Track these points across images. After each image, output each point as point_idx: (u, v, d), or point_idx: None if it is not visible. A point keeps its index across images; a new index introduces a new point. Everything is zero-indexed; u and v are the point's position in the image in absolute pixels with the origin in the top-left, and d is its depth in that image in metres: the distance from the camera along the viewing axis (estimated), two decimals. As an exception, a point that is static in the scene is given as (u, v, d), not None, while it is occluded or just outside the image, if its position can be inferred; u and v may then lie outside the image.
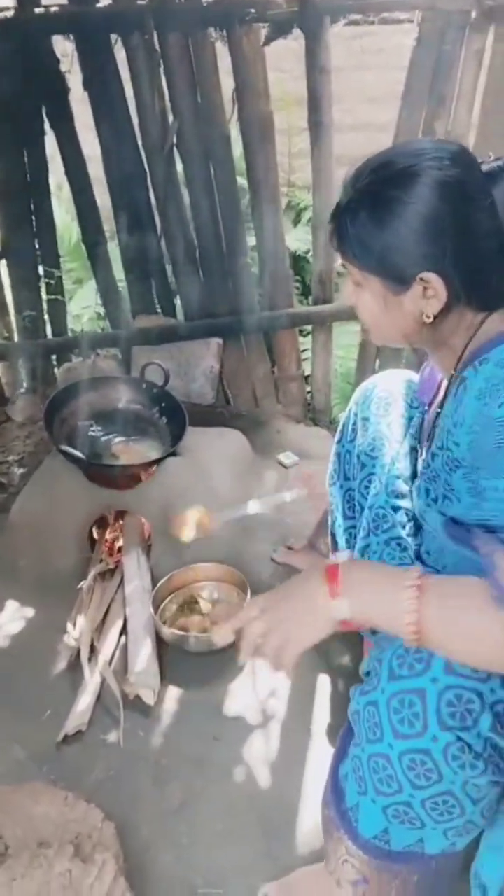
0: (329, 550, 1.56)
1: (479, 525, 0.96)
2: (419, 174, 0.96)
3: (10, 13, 2.18)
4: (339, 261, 1.15)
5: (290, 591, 0.96)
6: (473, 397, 0.95)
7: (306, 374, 2.74)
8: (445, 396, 1.10)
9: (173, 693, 1.63)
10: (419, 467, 1.20)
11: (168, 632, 1.69)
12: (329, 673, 1.64)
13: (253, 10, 2.09)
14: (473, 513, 0.97)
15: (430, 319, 1.02)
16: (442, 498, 1.05)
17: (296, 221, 4.13)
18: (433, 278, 0.98)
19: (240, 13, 2.09)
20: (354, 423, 1.44)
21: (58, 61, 2.25)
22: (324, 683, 1.63)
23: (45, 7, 2.19)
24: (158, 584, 1.82)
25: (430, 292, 0.99)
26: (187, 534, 1.75)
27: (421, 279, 0.99)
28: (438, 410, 1.12)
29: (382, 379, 1.42)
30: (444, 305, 1.00)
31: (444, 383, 1.17)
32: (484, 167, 1.01)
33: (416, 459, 1.29)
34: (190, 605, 1.84)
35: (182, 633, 1.70)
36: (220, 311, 2.55)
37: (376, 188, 0.99)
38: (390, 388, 1.38)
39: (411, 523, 1.23)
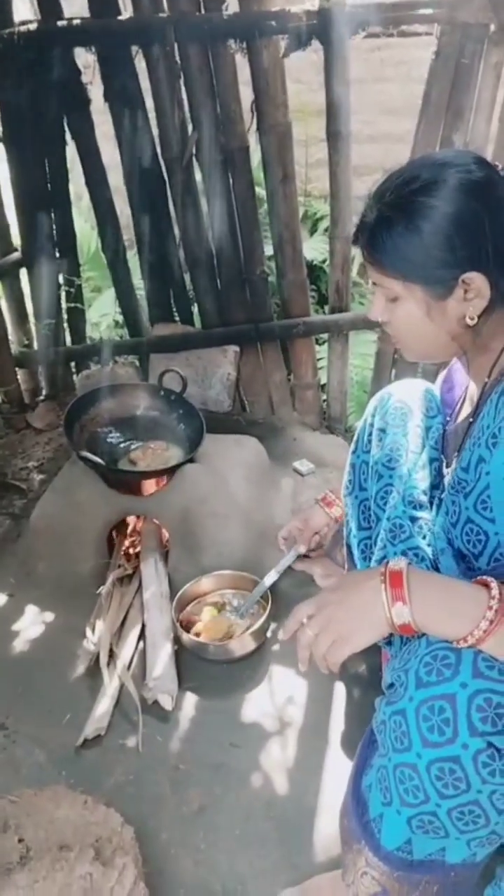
0: (344, 560, 1.57)
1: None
2: (446, 180, 1.00)
3: (33, 26, 2.21)
4: (356, 271, 1.17)
5: (346, 594, 0.99)
6: None
7: (322, 382, 2.75)
8: (478, 405, 1.11)
9: (191, 699, 1.65)
10: (445, 480, 1.20)
11: (187, 638, 1.70)
12: (345, 681, 1.65)
13: (273, 23, 2.11)
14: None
15: (475, 321, 1.04)
16: (465, 521, 1.05)
17: (312, 231, 4.15)
18: (476, 278, 1.01)
19: (260, 25, 2.11)
20: (370, 434, 1.44)
21: (79, 73, 2.28)
22: (340, 692, 1.63)
23: (68, 20, 2.22)
24: (181, 591, 1.83)
25: (470, 294, 1.02)
26: (213, 637, 1.75)
27: (463, 281, 1.01)
28: (471, 420, 1.13)
29: (398, 388, 1.43)
30: (486, 305, 1.02)
31: (474, 392, 1.17)
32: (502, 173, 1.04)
33: (436, 471, 1.30)
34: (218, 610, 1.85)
35: (201, 640, 1.71)
36: (237, 319, 2.57)
37: (407, 200, 1.01)
38: (406, 398, 1.39)
39: (430, 534, 1.24)
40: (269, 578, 1.79)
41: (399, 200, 1.02)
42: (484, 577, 0.93)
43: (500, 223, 1.00)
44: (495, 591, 0.90)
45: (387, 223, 1.03)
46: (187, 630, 1.75)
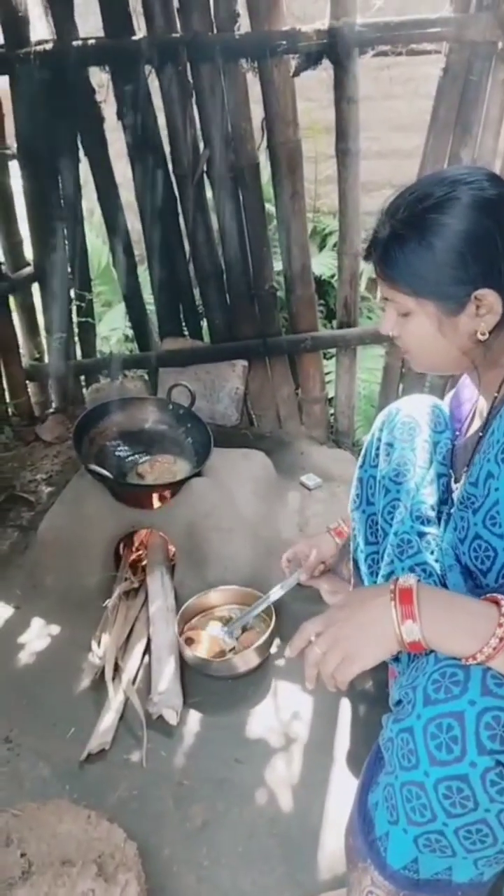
0: (351, 576, 1.56)
1: None
2: (459, 197, 1.01)
3: (49, 45, 2.25)
4: (364, 286, 1.18)
5: (354, 611, 0.98)
6: None
7: (330, 396, 2.76)
8: (488, 419, 1.11)
9: (196, 714, 1.64)
10: (454, 496, 1.20)
11: (191, 655, 1.70)
12: (351, 698, 1.63)
13: (284, 42, 2.13)
14: None
15: (486, 336, 1.04)
16: (473, 537, 1.05)
17: (321, 246, 4.17)
18: (488, 294, 1.01)
19: (271, 45, 2.14)
20: (377, 448, 1.44)
21: (94, 91, 2.32)
22: (345, 708, 1.62)
23: (83, 39, 2.26)
24: (184, 606, 1.83)
25: (482, 310, 1.03)
26: (210, 651, 1.75)
27: (475, 297, 1.02)
28: (480, 435, 1.13)
29: (406, 403, 1.43)
30: (498, 320, 1.03)
31: (483, 407, 1.17)
32: None
33: (444, 487, 1.29)
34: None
35: (203, 657, 1.70)
36: (245, 333, 2.58)
37: (420, 217, 1.02)
38: (414, 413, 1.39)
39: (438, 549, 1.23)
40: (266, 600, 1.75)
41: (412, 217, 1.03)
42: (494, 595, 0.92)
43: None
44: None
45: (399, 240, 1.04)
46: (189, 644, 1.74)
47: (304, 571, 1.70)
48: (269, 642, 1.72)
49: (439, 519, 1.26)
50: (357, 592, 1.09)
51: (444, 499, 1.27)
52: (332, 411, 2.75)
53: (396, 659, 1.20)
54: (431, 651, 0.93)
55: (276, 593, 1.74)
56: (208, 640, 1.77)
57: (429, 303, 1.05)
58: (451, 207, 1.00)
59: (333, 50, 2.13)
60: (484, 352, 1.07)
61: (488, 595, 0.93)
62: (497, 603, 0.91)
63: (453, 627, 0.91)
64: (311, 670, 1.00)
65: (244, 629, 1.79)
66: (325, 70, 2.20)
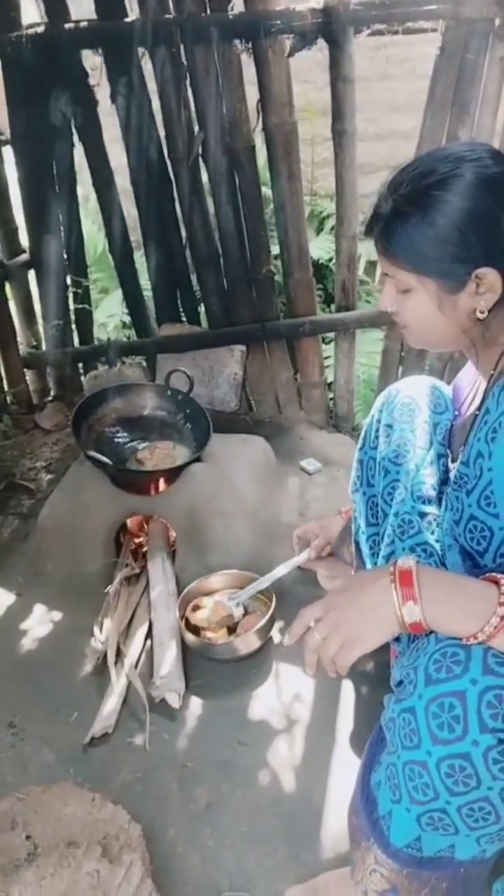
0: (353, 558, 1.57)
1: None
2: (463, 174, 1.00)
3: (40, 28, 2.23)
4: (362, 269, 1.17)
5: (354, 595, 0.97)
6: None
7: (329, 380, 2.75)
8: (483, 398, 1.11)
9: (198, 697, 1.65)
10: (451, 475, 1.20)
11: (192, 638, 1.70)
12: (352, 678, 1.64)
13: (278, 22, 2.11)
14: None
15: (485, 314, 1.04)
16: (468, 518, 1.05)
17: (319, 230, 4.15)
18: (489, 273, 1.01)
19: (265, 25, 2.11)
20: (377, 430, 1.44)
21: (87, 75, 2.29)
22: (347, 689, 1.63)
23: (75, 22, 2.23)
24: (185, 590, 1.84)
25: (482, 288, 1.02)
26: (214, 614, 1.77)
27: (476, 276, 1.02)
28: (476, 413, 1.13)
29: (405, 385, 1.43)
30: (498, 299, 1.02)
31: (482, 387, 1.17)
32: None
33: (444, 467, 1.29)
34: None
35: (206, 640, 1.71)
36: (243, 318, 2.57)
37: (423, 193, 1.01)
38: (413, 393, 1.39)
39: (439, 529, 1.23)
40: (273, 575, 1.78)
41: (415, 193, 1.02)
42: (493, 574, 0.92)
43: None
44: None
45: (402, 216, 1.03)
46: (194, 629, 1.75)
47: (312, 550, 1.71)
48: (269, 625, 1.73)
49: (440, 499, 1.26)
50: (356, 577, 1.09)
51: (445, 479, 1.27)
52: (331, 395, 2.74)
53: (397, 639, 1.20)
54: (432, 632, 0.94)
55: (281, 570, 1.77)
56: (213, 606, 1.78)
57: (430, 280, 1.05)
58: (454, 184, 1.00)
59: (328, 29, 2.10)
60: (483, 330, 1.07)
61: (488, 574, 0.93)
62: (497, 582, 0.91)
63: (453, 608, 0.91)
64: (312, 656, 0.99)
65: (246, 611, 1.80)
66: (321, 50, 2.18)
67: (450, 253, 1.01)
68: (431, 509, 1.25)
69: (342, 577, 1.72)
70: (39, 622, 1.91)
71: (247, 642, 1.69)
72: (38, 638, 1.86)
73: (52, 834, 1.27)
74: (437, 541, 1.22)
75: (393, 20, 2.10)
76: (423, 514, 1.24)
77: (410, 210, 1.02)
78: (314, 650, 0.98)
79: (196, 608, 1.80)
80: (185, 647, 1.73)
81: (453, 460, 1.27)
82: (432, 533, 1.23)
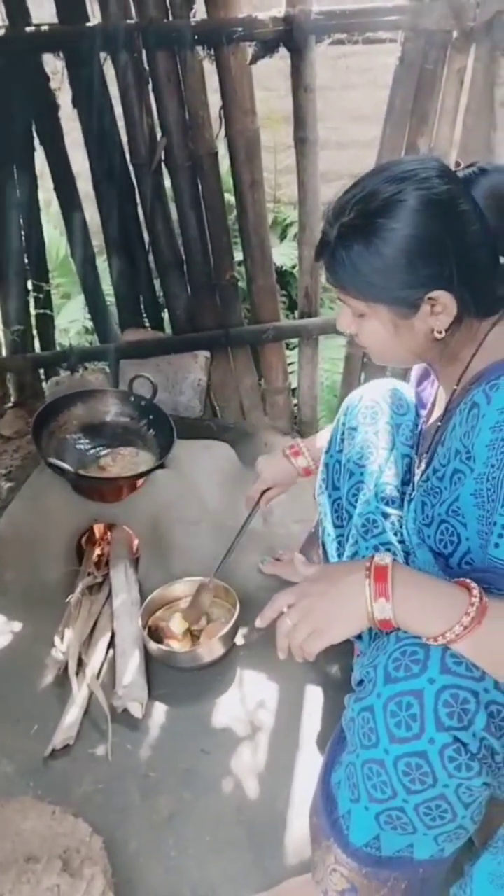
0: (320, 561, 1.57)
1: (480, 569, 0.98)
2: (405, 199, 0.97)
3: (1, 31, 2.20)
4: (325, 276, 1.17)
5: (328, 585, 0.98)
6: (488, 428, 0.95)
7: (293, 386, 2.76)
8: (446, 413, 1.12)
9: (161, 706, 1.63)
10: (416, 479, 1.21)
11: (154, 647, 1.68)
12: (319, 683, 1.64)
13: (240, 29, 2.12)
14: (479, 543, 0.98)
15: (442, 335, 1.04)
16: (439, 522, 1.06)
17: (282, 237, 4.17)
18: (442, 295, 1.00)
19: (227, 32, 2.12)
20: (342, 434, 1.45)
21: (48, 79, 2.27)
22: (312, 693, 1.63)
23: (36, 25, 2.21)
24: (148, 598, 1.82)
25: (438, 308, 1.01)
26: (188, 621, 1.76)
27: (429, 298, 1.00)
28: (439, 424, 1.14)
29: (368, 389, 1.44)
30: (453, 319, 1.02)
31: (442, 396, 1.18)
32: (459, 174, 1.03)
33: (407, 468, 1.30)
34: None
35: (168, 648, 1.69)
36: (207, 324, 2.56)
37: (365, 220, 0.99)
38: (376, 397, 1.40)
39: (402, 530, 1.24)
40: (237, 542, 1.73)
41: (358, 221, 1.00)
42: (466, 580, 0.92)
43: (462, 239, 0.99)
44: (475, 598, 0.89)
45: (346, 245, 1.01)
46: (157, 637, 1.73)
47: (265, 502, 1.69)
48: (233, 631, 1.72)
49: (402, 500, 1.27)
50: (331, 567, 1.10)
51: (407, 480, 1.29)
52: (295, 401, 2.76)
53: (359, 637, 1.21)
54: (394, 630, 0.94)
55: (242, 538, 1.73)
56: (188, 609, 1.77)
57: (381, 307, 1.04)
58: (397, 211, 0.97)
59: (290, 37, 2.12)
60: (442, 348, 1.07)
61: (460, 580, 0.93)
62: (469, 588, 0.91)
63: (424, 609, 0.91)
64: (283, 641, 0.99)
65: (209, 618, 1.79)
66: (283, 59, 2.19)
67: (397, 280, 1.00)
68: (394, 511, 1.26)
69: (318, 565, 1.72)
70: (-1, 632, 1.87)
71: (211, 650, 1.68)
72: (-3, 648, 1.82)
73: (10, 849, 1.24)
74: (401, 541, 1.23)
75: (353, 30, 2.13)
76: (386, 515, 1.25)
77: (354, 238, 1.00)
78: (285, 635, 0.99)
79: (157, 629, 1.78)
80: (147, 657, 1.71)
81: (418, 465, 1.28)
82: (395, 533, 1.24)
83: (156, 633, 1.76)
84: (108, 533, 2.10)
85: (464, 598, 0.89)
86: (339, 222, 1.02)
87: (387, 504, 1.27)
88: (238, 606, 1.75)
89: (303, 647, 0.97)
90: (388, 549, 1.22)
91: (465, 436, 1.01)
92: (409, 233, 0.97)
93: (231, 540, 1.73)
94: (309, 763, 1.47)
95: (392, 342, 1.07)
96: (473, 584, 0.91)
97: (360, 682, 0.98)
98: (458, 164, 1.06)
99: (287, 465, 1.66)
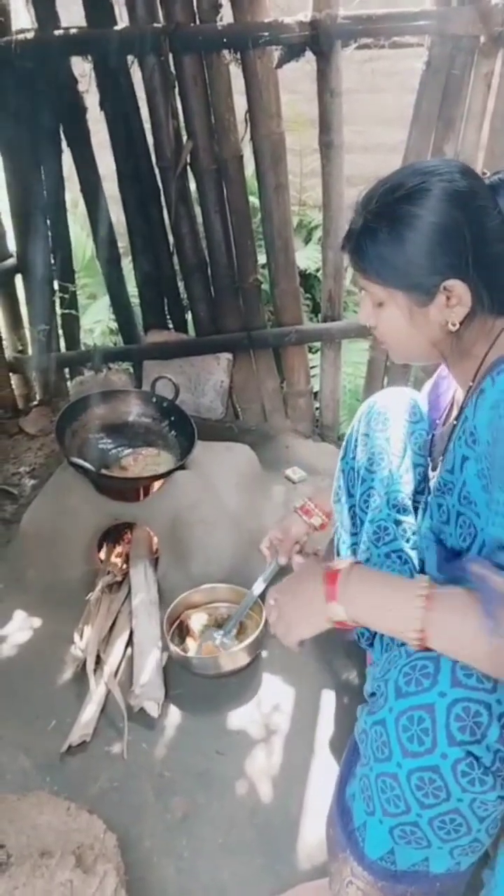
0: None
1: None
2: (430, 188, 1.01)
3: (30, 34, 2.23)
4: (349, 279, 1.19)
5: (296, 588, 1.11)
6: (488, 407, 0.98)
7: (315, 390, 2.76)
8: (462, 409, 1.12)
9: (178, 706, 1.64)
10: (431, 483, 1.21)
11: (174, 651, 1.68)
12: (334, 688, 1.64)
13: (266, 34, 2.12)
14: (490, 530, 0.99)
15: (456, 327, 1.06)
16: (456, 515, 1.06)
17: (306, 240, 4.16)
18: (457, 285, 1.02)
19: (253, 36, 2.13)
20: (357, 440, 1.45)
21: (76, 81, 2.30)
22: (328, 698, 1.63)
23: (65, 29, 2.24)
24: (171, 606, 1.81)
25: (453, 300, 1.04)
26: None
27: (445, 288, 1.03)
28: (455, 423, 1.14)
29: (382, 396, 1.44)
30: (468, 312, 1.04)
31: (459, 398, 1.18)
32: (486, 181, 1.06)
33: (420, 476, 1.30)
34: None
35: (187, 654, 1.70)
36: (230, 327, 2.57)
37: (391, 208, 1.03)
38: (389, 403, 1.40)
39: (414, 537, 1.24)
40: (256, 589, 1.76)
41: (383, 208, 1.04)
42: (422, 576, 0.97)
43: (481, 232, 1.02)
44: (424, 583, 0.93)
45: (371, 231, 1.05)
46: (182, 632, 1.74)
47: (281, 556, 1.71)
48: (259, 639, 1.70)
49: (416, 508, 1.27)
50: (304, 569, 1.18)
51: (421, 488, 1.28)
52: (316, 405, 2.75)
53: (371, 644, 1.21)
54: (404, 643, 0.94)
55: (259, 586, 1.75)
56: (200, 644, 1.76)
57: (398, 293, 1.06)
58: (421, 198, 1.01)
59: (316, 42, 2.12)
60: (456, 342, 1.08)
61: (420, 578, 0.96)
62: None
63: (373, 606, 0.97)
64: (273, 629, 1.16)
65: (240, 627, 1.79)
66: (309, 62, 2.20)
67: (417, 266, 1.03)
68: (407, 518, 1.26)
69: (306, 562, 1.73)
70: (19, 628, 1.89)
71: (234, 659, 1.67)
72: (17, 644, 1.84)
73: (25, 843, 1.26)
74: (413, 548, 1.23)
75: (380, 34, 2.12)
76: (398, 522, 1.25)
77: (378, 224, 1.04)
78: (273, 625, 1.15)
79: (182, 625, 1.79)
80: (169, 657, 1.72)
81: (433, 468, 1.28)
82: (407, 541, 1.23)
83: (181, 631, 1.76)
84: (129, 532, 2.11)
85: (413, 588, 0.93)
86: (366, 210, 1.06)
87: (399, 512, 1.27)
88: (264, 615, 1.74)
89: (280, 639, 1.12)
90: (400, 557, 1.22)
91: (472, 419, 1.03)
92: (431, 219, 1.01)
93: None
94: (323, 768, 1.47)
95: (408, 332, 1.09)
96: (424, 577, 0.95)
97: (373, 694, 0.98)
98: (484, 173, 1.09)
99: (298, 520, 1.71)
